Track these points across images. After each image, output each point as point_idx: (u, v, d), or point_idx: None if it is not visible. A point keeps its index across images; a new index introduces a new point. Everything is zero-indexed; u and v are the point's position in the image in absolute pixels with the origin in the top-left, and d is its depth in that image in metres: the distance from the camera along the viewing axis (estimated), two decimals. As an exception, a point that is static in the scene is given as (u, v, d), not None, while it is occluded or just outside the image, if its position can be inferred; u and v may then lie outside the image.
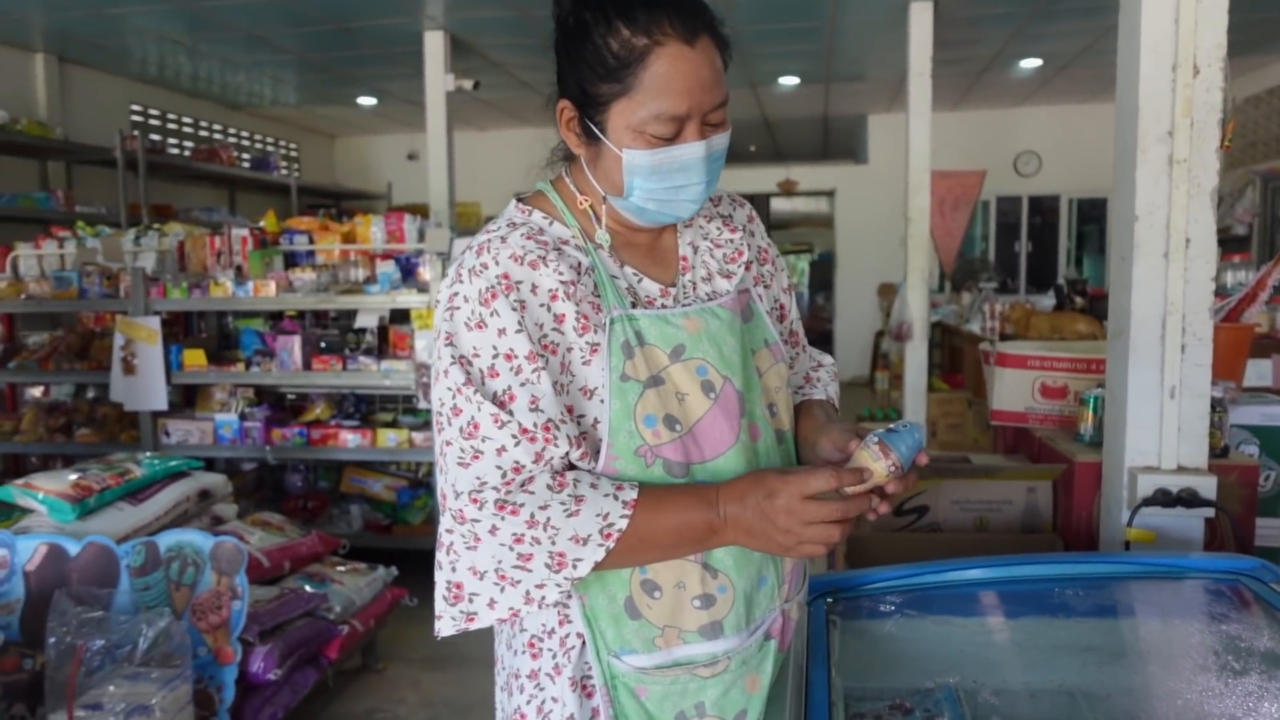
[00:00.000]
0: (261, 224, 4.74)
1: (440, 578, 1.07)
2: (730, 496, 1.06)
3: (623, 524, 1.04)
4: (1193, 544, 1.96)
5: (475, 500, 1.03)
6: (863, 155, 10.51)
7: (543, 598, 1.05)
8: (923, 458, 1.10)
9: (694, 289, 1.19)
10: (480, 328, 1.06)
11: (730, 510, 1.06)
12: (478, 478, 1.04)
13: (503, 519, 1.02)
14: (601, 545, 1.04)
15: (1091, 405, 2.33)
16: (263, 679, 2.55)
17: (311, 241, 4.59)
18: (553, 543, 1.03)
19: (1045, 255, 10.29)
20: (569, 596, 1.11)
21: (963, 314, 7.34)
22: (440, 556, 1.08)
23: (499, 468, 1.04)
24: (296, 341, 4.23)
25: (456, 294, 1.07)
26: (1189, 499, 1.91)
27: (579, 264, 1.12)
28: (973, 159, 8.30)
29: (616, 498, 1.05)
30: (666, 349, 1.12)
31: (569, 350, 1.09)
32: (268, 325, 4.61)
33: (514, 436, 1.03)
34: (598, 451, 1.09)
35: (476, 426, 1.04)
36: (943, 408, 6.44)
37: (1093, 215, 10.19)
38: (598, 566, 1.05)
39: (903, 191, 6.38)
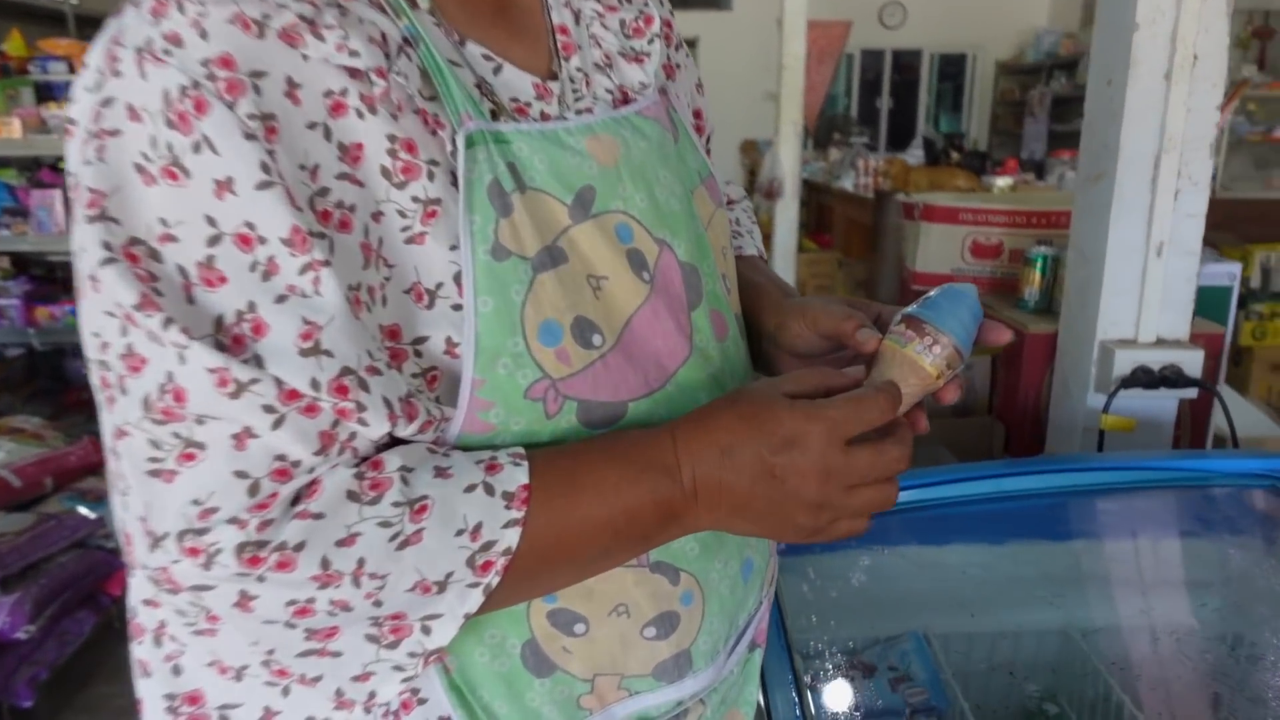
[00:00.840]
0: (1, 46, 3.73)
1: (151, 689, 0.57)
2: (699, 449, 0.58)
3: (511, 539, 0.54)
4: (1165, 431, 1.67)
5: (194, 549, 0.49)
6: (726, 1, 9.82)
7: (370, 695, 0.55)
8: (1002, 333, 0.66)
9: (586, 84, 0.67)
10: (172, 178, 0.49)
11: (705, 474, 0.58)
12: (194, 500, 0.49)
13: (261, 579, 0.50)
14: (476, 584, 0.54)
15: (1039, 266, 1.97)
16: (9, 637, 1.95)
17: (72, 71, 3.64)
18: (376, 602, 0.52)
19: (905, 112, 10.09)
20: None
21: (831, 171, 7.02)
22: (144, 652, 0.58)
23: (241, 475, 0.50)
24: (57, 197, 3.37)
25: (113, 105, 0.49)
26: (1173, 378, 1.59)
27: (384, 36, 0.55)
28: (838, 8, 7.82)
29: (493, 489, 0.55)
30: (565, 195, 0.61)
31: (377, 216, 0.55)
32: (21, 177, 3.68)
33: (267, 409, 0.50)
34: (453, 402, 0.58)
35: (180, 394, 0.49)
36: (812, 269, 6.17)
37: (950, 73, 10.01)
38: (473, 617, 0.56)
39: (770, 40, 5.83)
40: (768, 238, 6.45)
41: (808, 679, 1.17)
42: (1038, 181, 5.02)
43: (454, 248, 0.56)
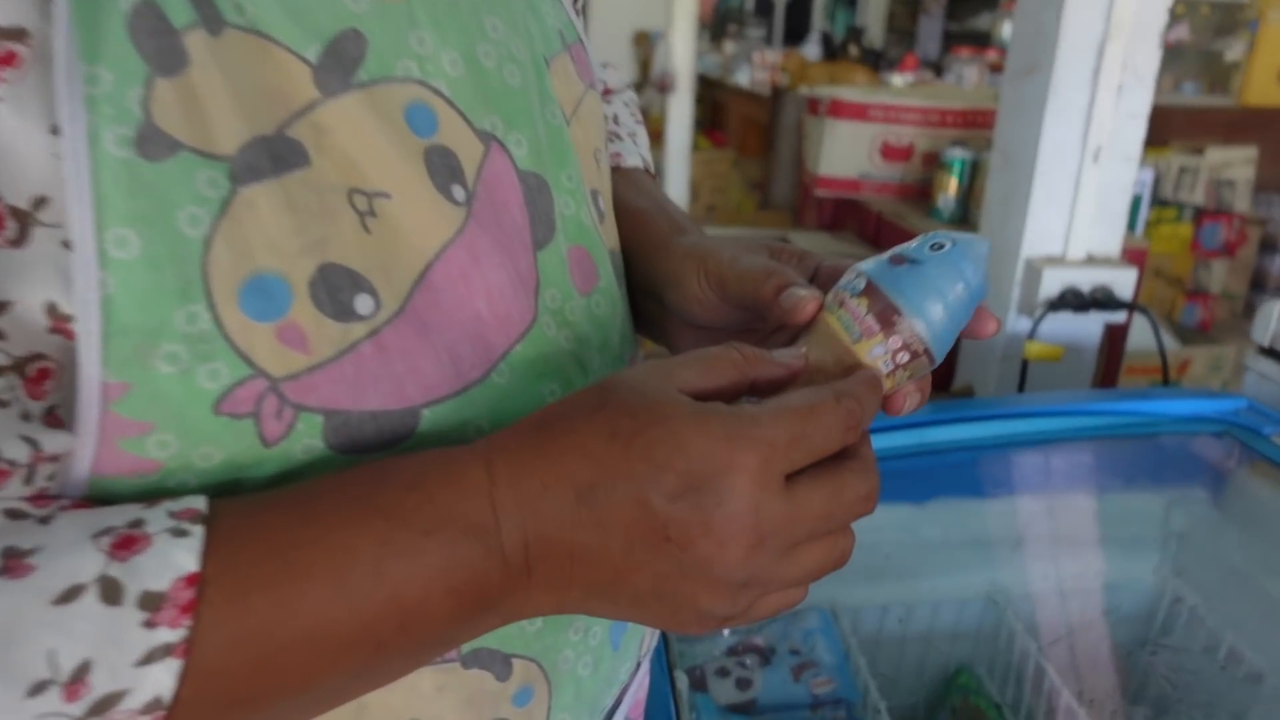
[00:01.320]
0: None
1: None
2: (535, 489, 0.33)
3: (158, 684, 0.28)
4: (1088, 360, 1.51)
5: None
6: (616, -125, 9.14)
7: None
8: (988, 324, 0.42)
9: None
10: None
11: (544, 532, 0.33)
12: None
13: None
14: None
15: (956, 171, 1.77)
16: None
17: None
18: None
19: (801, 6, 9.76)
20: None
21: (726, 65, 6.70)
22: None
23: None
24: None
25: None
26: (1104, 300, 1.42)
27: None
28: (738, -114, 7.35)
29: (119, 591, 0.28)
30: (306, 44, 0.33)
31: None
32: None
33: None
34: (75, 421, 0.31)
35: None
36: (707, 168, 5.89)
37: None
38: None
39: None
40: (658, 136, 6.16)
41: (688, 673, 0.96)
42: (936, 80, 4.84)
43: (56, 131, 0.28)
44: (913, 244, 0.40)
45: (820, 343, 0.39)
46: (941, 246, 0.39)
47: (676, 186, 4.12)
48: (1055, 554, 1.09)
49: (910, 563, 1.08)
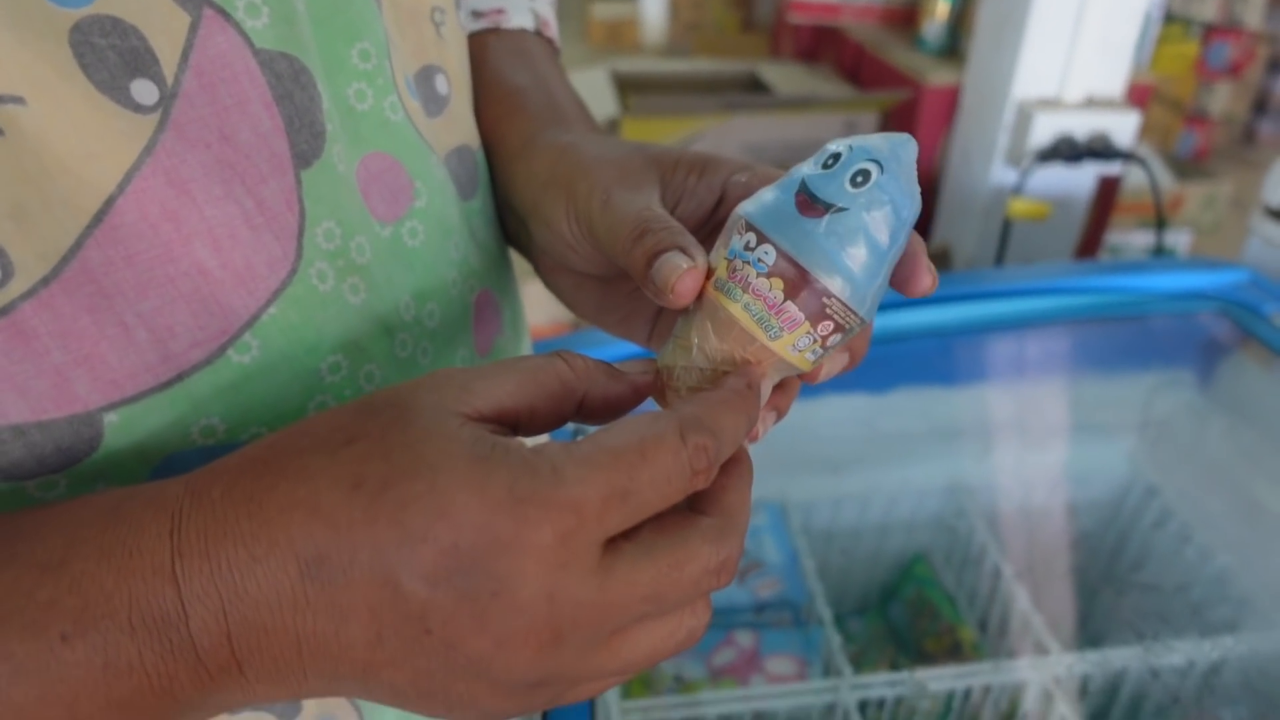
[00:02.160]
0: None
1: None
2: (241, 556, 0.23)
3: None
4: (1076, 215, 1.37)
5: None
6: None
7: None
8: (921, 280, 0.29)
9: None
10: None
11: (253, 619, 0.23)
12: None
13: None
14: None
15: (946, -7, 1.56)
16: None
17: None
18: None
19: None
20: None
21: None
22: None
23: None
24: None
25: None
26: (1101, 150, 1.27)
27: None
28: None
29: None
30: None
31: None
32: None
33: None
34: None
35: None
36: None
37: None
38: None
39: None
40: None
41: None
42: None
43: None
44: (822, 173, 0.27)
45: (716, 331, 0.28)
46: (866, 176, 0.27)
47: (654, 3, 3.77)
48: (1025, 443, 1.01)
49: (868, 455, 0.99)
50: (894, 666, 1.00)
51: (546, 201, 0.34)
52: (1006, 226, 1.29)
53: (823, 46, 1.95)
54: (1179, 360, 0.98)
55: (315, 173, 0.28)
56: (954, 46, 1.58)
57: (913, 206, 0.28)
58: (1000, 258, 1.30)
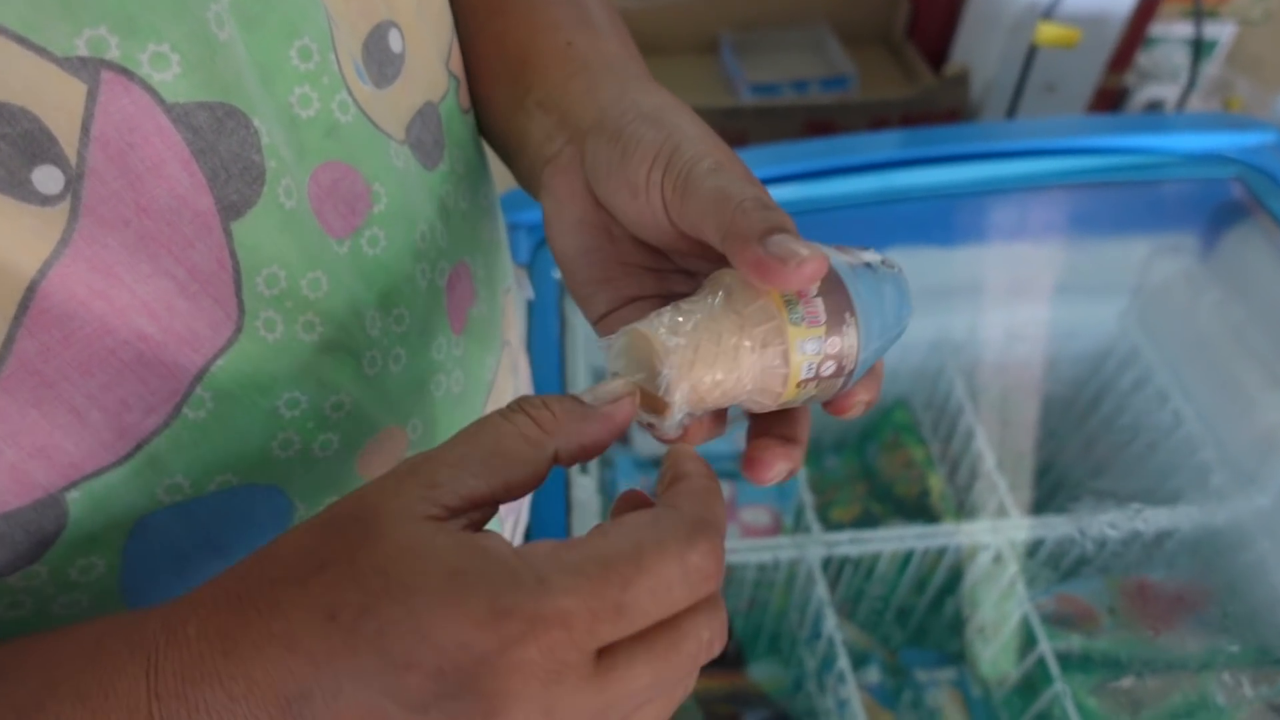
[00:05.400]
0: None
1: None
2: (224, 700, 0.22)
3: None
4: (1108, 38, 1.27)
5: None
6: None
7: None
8: (850, 398, 0.31)
9: None
10: None
11: None
12: None
13: None
14: None
15: None
16: None
17: None
18: None
19: None
20: None
21: None
22: None
23: None
24: None
25: None
26: (1145, -31, 1.16)
27: None
28: None
29: None
30: None
31: None
32: None
33: None
34: None
35: None
36: None
37: None
38: None
39: None
40: None
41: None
42: None
43: None
44: (854, 249, 0.31)
45: (730, 298, 0.28)
46: (890, 266, 0.31)
47: None
48: (1016, 302, 1.01)
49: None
50: (864, 506, 1.06)
51: (617, 165, 0.30)
52: (1032, 51, 1.20)
53: None
54: (1185, 226, 0.95)
55: (250, 221, 0.27)
56: None
57: (904, 318, 0.31)
58: (1021, 86, 1.22)
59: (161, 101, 0.24)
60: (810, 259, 0.26)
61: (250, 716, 0.22)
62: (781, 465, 0.29)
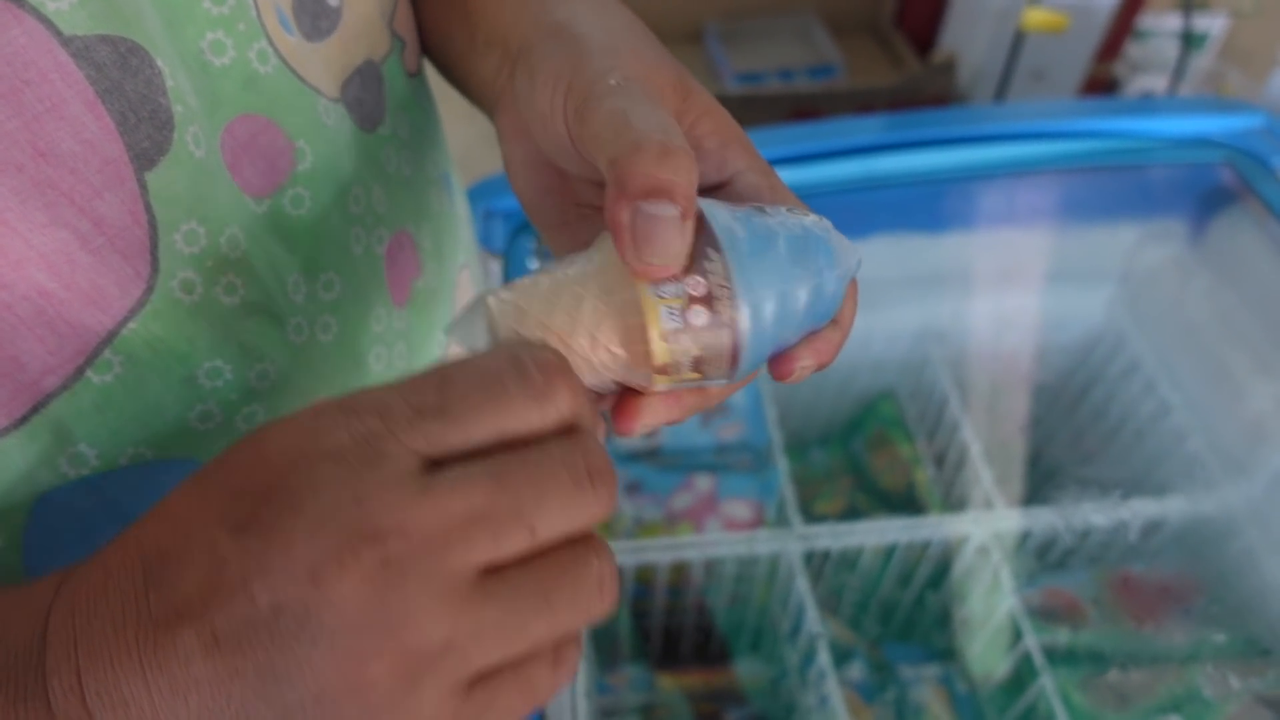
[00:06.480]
0: None
1: None
2: (106, 634, 0.20)
3: None
4: (1095, 25, 1.25)
5: None
6: None
7: None
8: (791, 362, 0.26)
9: None
10: None
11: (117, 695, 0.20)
12: None
13: None
14: None
15: None
16: None
17: None
18: None
19: None
20: None
21: None
22: None
23: None
24: None
25: None
26: (1133, -47, 1.14)
27: None
28: None
29: None
30: None
31: None
32: None
33: None
34: None
35: None
36: None
37: None
38: None
39: None
40: None
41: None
42: None
43: None
44: (776, 208, 0.26)
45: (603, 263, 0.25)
46: (820, 221, 0.26)
47: None
48: (1002, 289, 0.99)
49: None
50: (850, 500, 1.04)
51: (527, 86, 0.28)
52: (1019, 38, 1.18)
53: None
54: (1173, 212, 0.93)
55: (163, 170, 0.25)
56: None
57: (833, 295, 0.26)
58: (1008, 73, 1.21)
59: (59, 34, 0.22)
60: (671, 261, 0.23)
61: (118, 590, 0.21)
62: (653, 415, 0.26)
